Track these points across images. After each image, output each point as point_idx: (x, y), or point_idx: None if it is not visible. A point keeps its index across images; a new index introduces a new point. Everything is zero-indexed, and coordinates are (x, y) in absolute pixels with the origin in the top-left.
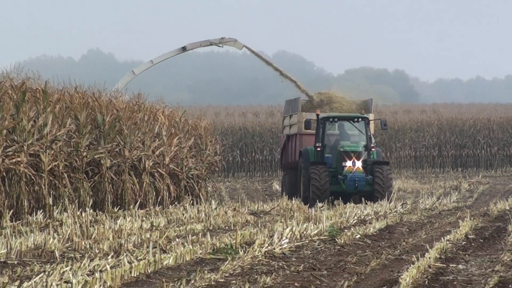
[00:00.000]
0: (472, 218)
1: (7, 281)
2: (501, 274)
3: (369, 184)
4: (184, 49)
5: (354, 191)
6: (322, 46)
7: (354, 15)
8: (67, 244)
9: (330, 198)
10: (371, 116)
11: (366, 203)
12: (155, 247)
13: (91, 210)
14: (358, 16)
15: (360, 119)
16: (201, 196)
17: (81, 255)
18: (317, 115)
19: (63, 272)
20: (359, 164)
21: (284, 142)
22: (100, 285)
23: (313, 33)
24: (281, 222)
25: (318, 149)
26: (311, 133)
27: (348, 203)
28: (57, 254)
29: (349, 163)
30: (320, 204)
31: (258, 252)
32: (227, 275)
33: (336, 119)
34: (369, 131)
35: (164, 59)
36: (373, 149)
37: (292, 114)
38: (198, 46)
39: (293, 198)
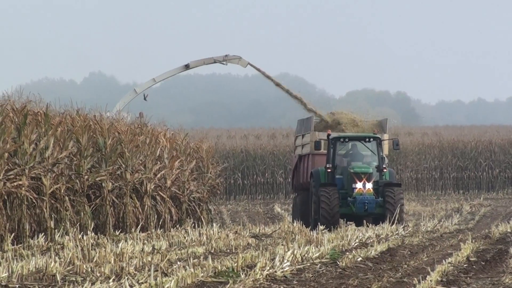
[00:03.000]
0: (473, 241)
1: None
2: None
3: (379, 207)
4: (187, 66)
5: (364, 213)
6: (323, 69)
7: (357, 38)
8: (68, 268)
9: (344, 221)
10: (385, 136)
11: (368, 226)
12: (157, 271)
13: (93, 233)
14: (360, 38)
15: (371, 139)
16: (202, 219)
17: (82, 278)
18: (328, 135)
19: None
20: (369, 186)
21: (296, 162)
22: None
23: (315, 56)
24: (282, 245)
25: (329, 170)
26: (324, 153)
27: (349, 225)
28: (58, 277)
29: (359, 185)
30: (321, 227)
31: (260, 275)
32: None
33: (347, 139)
34: (382, 152)
35: (167, 77)
36: (385, 170)
37: (304, 134)
38: (202, 64)
39: (295, 221)
